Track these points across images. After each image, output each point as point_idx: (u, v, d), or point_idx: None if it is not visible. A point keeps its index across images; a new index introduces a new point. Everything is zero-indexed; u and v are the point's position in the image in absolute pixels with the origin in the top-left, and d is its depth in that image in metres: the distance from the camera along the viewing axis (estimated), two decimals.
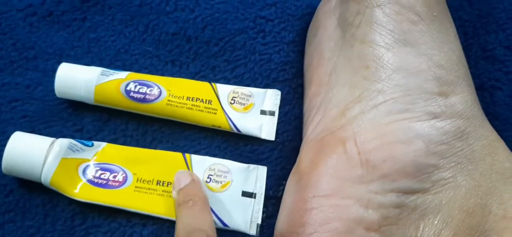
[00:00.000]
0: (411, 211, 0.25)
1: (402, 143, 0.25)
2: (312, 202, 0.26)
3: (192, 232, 0.26)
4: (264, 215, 0.31)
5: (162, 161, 0.31)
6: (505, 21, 0.37)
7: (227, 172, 0.31)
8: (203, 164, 0.31)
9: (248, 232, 0.30)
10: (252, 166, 0.32)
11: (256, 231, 0.30)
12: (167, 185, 0.30)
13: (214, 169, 0.31)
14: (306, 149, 0.29)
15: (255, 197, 0.31)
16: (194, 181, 0.29)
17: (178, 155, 0.32)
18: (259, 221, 0.31)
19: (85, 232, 0.30)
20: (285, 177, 0.31)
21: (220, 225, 0.30)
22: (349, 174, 0.26)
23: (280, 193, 0.31)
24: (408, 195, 0.25)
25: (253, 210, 0.31)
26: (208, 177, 0.31)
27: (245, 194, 0.31)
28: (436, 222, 0.25)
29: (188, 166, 0.31)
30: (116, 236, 0.30)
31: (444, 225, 0.25)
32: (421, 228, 0.25)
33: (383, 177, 0.25)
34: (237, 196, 0.31)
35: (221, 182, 0.31)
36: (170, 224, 0.30)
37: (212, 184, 0.31)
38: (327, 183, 0.26)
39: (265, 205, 0.31)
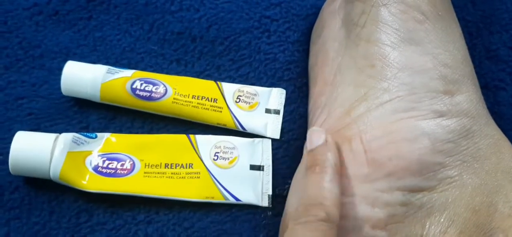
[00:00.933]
0: (417, 209, 0.25)
1: (408, 141, 0.26)
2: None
3: (310, 207, 0.24)
4: (270, 213, 0.31)
5: (167, 144, 0.32)
6: (508, 22, 0.37)
7: (233, 148, 0.32)
8: (208, 143, 0.32)
9: (260, 204, 0.31)
10: (256, 139, 0.32)
11: (268, 202, 0.31)
12: (175, 167, 0.31)
13: (220, 146, 0.32)
14: None
15: (263, 170, 0.32)
16: (328, 143, 0.26)
17: (183, 136, 0.32)
18: (270, 192, 0.31)
19: (90, 230, 0.30)
20: (290, 176, 0.31)
21: (232, 200, 0.30)
22: (355, 173, 0.26)
23: (285, 192, 0.31)
24: (414, 193, 0.25)
25: (262, 182, 0.31)
26: (215, 155, 0.31)
27: (253, 167, 0.31)
28: (442, 220, 0.25)
29: (194, 146, 0.32)
30: (121, 233, 0.30)
31: (450, 223, 0.25)
32: (427, 226, 0.25)
33: (389, 175, 0.25)
34: (246, 170, 0.31)
35: (228, 159, 0.31)
36: (175, 221, 0.30)
37: (219, 161, 0.31)
38: None
39: (271, 203, 0.31)
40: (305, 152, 0.27)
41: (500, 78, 0.35)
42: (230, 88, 0.34)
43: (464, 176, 0.25)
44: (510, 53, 0.36)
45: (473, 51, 0.36)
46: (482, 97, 0.28)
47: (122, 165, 0.30)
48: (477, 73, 0.29)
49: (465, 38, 0.30)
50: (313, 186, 0.25)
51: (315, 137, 0.26)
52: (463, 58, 0.28)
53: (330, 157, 0.25)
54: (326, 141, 0.26)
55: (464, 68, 0.28)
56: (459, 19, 0.31)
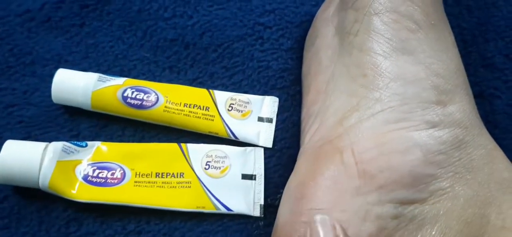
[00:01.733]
0: (409, 222, 0.25)
1: (400, 153, 0.25)
2: (308, 214, 0.26)
3: None
4: (262, 223, 0.31)
5: (159, 153, 0.31)
6: (504, 29, 0.37)
7: (225, 157, 0.31)
8: (200, 152, 0.31)
9: (252, 214, 0.31)
10: (248, 148, 0.32)
11: (260, 212, 0.31)
12: (166, 176, 0.30)
13: (212, 155, 0.31)
14: (304, 157, 0.29)
15: (255, 179, 0.31)
16: None
17: (174, 145, 0.32)
18: (262, 202, 0.31)
19: None
20: (282, 185, 0.31)
21: (223, 210, 0.30)
22: (346, 186, 0.26)
23: (277, 202, 0.31)
24: (405, 206, 0.25)
25: (254, 191, 0.31)
26: (206, 164, 0.31)
27: (245, 176, 0.31)
28: (434, 233, 0.25)
29: (185, 155, 0.31)
30: None
31: (442, 235, 0.24)
32: None
33: (380, 188, 0.25)
34: (238, 179, 0.31)
35: (220, 168, 0.31)
36: (166, 231, 0.30)
37: (211, 171, 0.31)
38: (324, 195, 0.26)
39: (263, 213, 0.31)
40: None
41: (495, 86, 0.35)
42: (222, 96, 0.33)
43: (456, 188, 0.25)
44: (505, 61, 0.36)
45: (468, 59, 0.36)
46: (475, 107, 0.28)
47: (113, 174, 0.30)
48: (472, 81, 0.29)
49: (460, 45, 0.30)
50: None
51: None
52: (456, 67, 0.28)
53: None
54: None
55: (457, 78, 0.27)
56: (454, 27, 0.30)
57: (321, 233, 0.25)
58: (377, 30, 0.28)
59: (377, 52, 0.28)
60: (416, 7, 0.28)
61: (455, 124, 0.26)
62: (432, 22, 0.28)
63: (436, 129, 0.26)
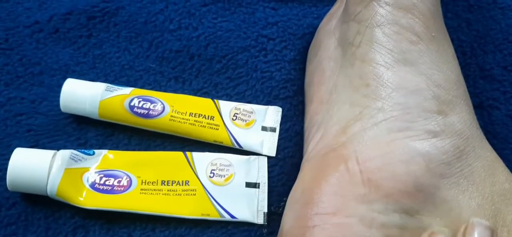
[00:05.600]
0: (414, 233, 0.25)
1: (403, 162, 0.25)
2: (314, 219, 0.26)
3: None
4: (266, 230, 0.31)
5: (164, 161, 0.32)
6: (502, 42, 0.37)
7: (229, 165, 0.32)
8: (205, 160, 0.32)
9: (255, 222, 0.31)
10: (252, 157, 0.33)
11: (264, 219, 0.31)
12: (172, 184, 0.31)
13: (216, 163, 0.32)
14: (308, 165, 0.30)
15: (259, 187, 0.32)
16: None
17: (179, 154, 0.32)
18: (266, 210, 0.31)
19: None
20: (286, 194, 0.31)
21: (228, 217, 0.31)
22: (352, 192, 0.26)
23: (280, 209, 0.31)
24: (410, 216, 0.25)
25: (258, 199, 0.31)
26: (211, 172, 0.31)
27: (249, 185, 0.32)
28: None
29: (190, 163, 0.32)
30: None
31: None
32: None
33: (386, 197, 0.25)
34: (241, 187, 0.31)
35: (224, 176, 0.31)
36: None
37: (215, 179, 0.31)
38: (330, 200, 0.26)
39: (267, 221, 0.31)
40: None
41: (494, 97, 0.35)
42: (227, 106, 0.34)
43: (460, 199, 0.25)
44: (504, 73, 0.36)
45: (467, 70, 0.36)
46: (475, 118, 0.28)
47: (119, 182, 0.31)
48: (471, 92, 0.30)
49: (459, 57, 0.30)
50: None
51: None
52: (456, 79, 0.28)
53: None
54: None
55: (457, 89, 0.28)
56: (453, 39, 0.31)
57: None
58: (379, 41, 0.28)
59: (379, 63, 0.28)
60: (416, 20, 0.28)
61: (456, 134, 0.26)
62: (433, 34, 0.29)
63: (438, 138, 0.26)
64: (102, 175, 0.31)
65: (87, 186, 0.30)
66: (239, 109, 0.34)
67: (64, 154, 0.30)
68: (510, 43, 0.37)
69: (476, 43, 0.37)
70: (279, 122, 0.34)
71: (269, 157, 0.33)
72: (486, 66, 0.37)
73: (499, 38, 0.37)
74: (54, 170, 0.30)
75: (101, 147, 0.33)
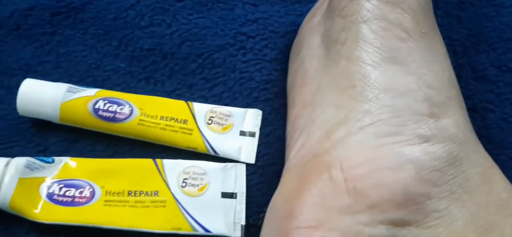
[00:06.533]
0: None
1: (392, 170, 0.24)
2: (294, 234, 0.24)
3: None
4: None
5: (132, 170, 0.29)
6: (496, 41, 0.36)
7: (204, 173, 0.29)
8: (176, 168, 0.30)
9: (232, 235, 0.29)
10: (229, 164, 0.30)
11: (241, 233, 0.29)
12: (140, 195, 0.28)
13: (189, 172, 0.29)
14: (289, 174, 0.28)
15: (236, 197, 0.29)
16: None
17: (149, 161, 0.30)
18: (243, 222, 0.29)
19: None
20: (265, 204, 0.29)
21: (201, 231, 0.28)
22: (335, 204, 0.24)
23: (260, 221, 0.29)
24: (399, 228, 0.23)
25: (235, 211, 0.29)
26: (183, 182, 0.29)
27: (225, 195, 0.29)
28: None
29: (160, 171, 0.29)
30: None
31: None
32: None
33: (372, 207, 0.23)
34: (217, 198, 0.29)
35: (198, 186, 0.29)
36: None
37: (188, 189, 0.29)
38: (312, 213, 0.24)
39: (244, 234, 0.29)
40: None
41: (488, 100, 0.34)
42: (202, 109, 0.32)
43: (453, 210, 0.23)
44: (498, 73, 0.35)
45: (459, 71, 0.35)
46: (469, 121, 0.27)
47: (81, 192, 0.28)
48: (463, 94, 0.28)
49: (451, 57, 0.29)
50: None
51: None
52: (449, 79, 0.27)
53: None
54: None
55: (450, 90, 0.26)
56: (444, 38, 0.29)
57: None
58: (365, 38, 0.27)
59: (366, 61, 0.26)
60: (406, 15, 0.26)
61: (449, 139, 0.24)
62: (423, 30, 0.27)
63: (429, 143, 0.24)
64: (62, 185, 0.28)
65: (44, 197, 0.28)
66: (215, 112, 0.32)
67: (19, 162, 0.28)
68: (504, 41, 0.36)
69: (468, 42, 0.36)
70: (259, 126, 0.32)
71: (247, 165, 0.31)
72: (479, 66, 0.35)
73: (493, 36, 0.36)
74: (6, 180, 0.27)
75: (62, 154, 0.30)
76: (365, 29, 0.27)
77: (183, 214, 0.28)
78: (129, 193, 0.28)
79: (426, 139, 0.24)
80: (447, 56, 0.28)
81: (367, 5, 0.27)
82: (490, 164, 0.25)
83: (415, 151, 0.24)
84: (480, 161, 0.25)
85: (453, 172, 0.24)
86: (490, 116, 0.33)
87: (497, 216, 0.24)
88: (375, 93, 0.26)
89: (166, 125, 0.30)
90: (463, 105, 0.27)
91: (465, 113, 0.27)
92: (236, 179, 0.30)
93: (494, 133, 0.33)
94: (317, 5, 0.34)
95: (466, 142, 0.25)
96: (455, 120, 0.25)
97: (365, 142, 0.25)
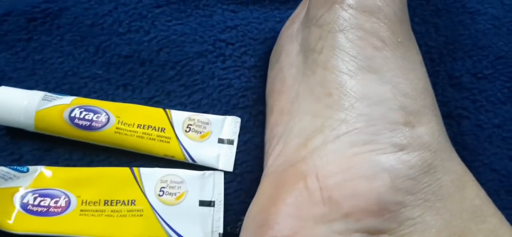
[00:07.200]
0: None
1: (367, 178, 0.24)
2: None
3: None
4: None
5: (108, 178, 0.29)
6: (471, 48, 0.36)
7: (181, 182, 0.29)
8: (153, 177, 0.29)
9: None
10: (207, 172, 0.30)
11: None
12: (116, 204, 0.28)
13: (166, 180, 0.29)
14: (266, 182, 0.28)
15: (214, 205, 0.29)
16: None
17: (125, 170, 0.29)
18: (221, 230, 0.29)
19: None
20: (243, 212, 0.29)
21: None
22: (310, 213, 0.24)
23: (238, 230, 0.29)
24: (374, 236, 0.23)
25: (213, 219, 0.29)
26: (160, 190, 0.29)
27: (203, 203, 0.29)
28: None
29: (137, 180, 0.29)
30: None
31: None
32: None
33: (347, 216, 0.23)
34: (195, 206, 0.29)
35: (175, 194, 0.29)
36: None
37: (165, 197, 0.29)
38: (287, 222, 0.24)
39: None
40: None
41: (463, 106, 0.34)
42: (179, 116, 0.31)
43: (427, 217, 0.23)
44: (473, 81, 0.35)
45: (435, 78, 0.35)
46: (444, 129, 0.27)
47: (56, 202, 0.28)
48: (439, 101, 0.28)
49: (427, 64, 0.29)
50: None
51: None
52: (424, 87, 0.27)
53: None
54: None
55: (425, 98, 0.26)
56: (421, 45, 0.29)
57: None
58: (341, 47, 0.27)
59: (342, 70, 0.26)
60: (382, 24, 0.27)
61: (424, 147, 0.25)
62: (399, 39, 0.27)
63: (404, 152, 0.24)
64: (36, 195, 0.28)
65: (18, 207, 0.27)
66: (194, 119, 0.31)
67: None
68: (479, 49, 0.36)
69: (445, 50, 0.36)
70: (238, 134, 0.32)
71: (225, 173, 0.31)
72: (455, 73, 0.35)
73: (468, 44, 0.36)
74: None
75: (37, 163, 0.30)
76: (341, 38, 0.27)
77: (160, 223, 0.28)
78: (105, 203, 0.28)
79: (401, 148, 0.24)
80: (422, 64, 0.28)
81: (344, 14, 0.27)
82: (463, 171, 0.26)
83: (391, 159, 0.24)
84: (454, 169, 0.25)
85: (427, 180, 0.24)
86: (465, 123, 0.33)
87: (471, 223, 0.24)
88: (351, 101, 0.26)
89: (143, 133, 0.30)
90: (438, 113, 0.27)
91: (440, 121, 0.27)
92: (214, 187, 0.30)
93: (469, 140, 0.33)
94: (295, 13, 0.34)
95: (440, 150, 0.25)
96: (430, 128, 0.25)
97: (341, 150, 0.25)
